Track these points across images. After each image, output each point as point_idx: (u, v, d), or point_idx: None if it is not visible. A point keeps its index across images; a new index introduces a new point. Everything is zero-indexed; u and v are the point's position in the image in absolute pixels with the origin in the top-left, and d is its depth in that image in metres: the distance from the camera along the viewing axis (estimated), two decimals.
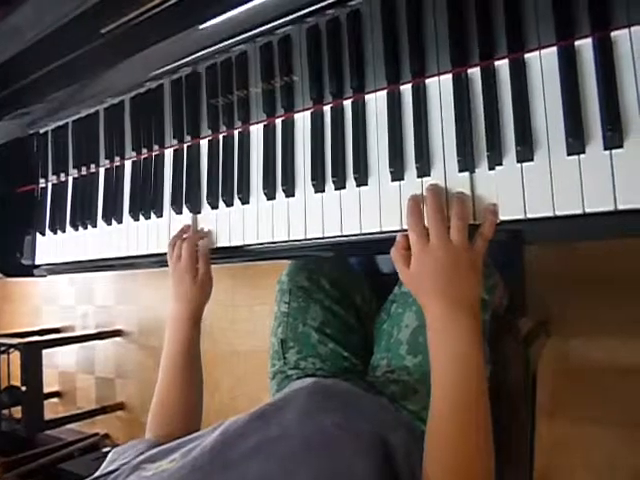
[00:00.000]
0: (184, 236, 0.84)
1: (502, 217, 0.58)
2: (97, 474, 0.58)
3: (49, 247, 1.13)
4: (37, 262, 1.15)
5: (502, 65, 0.60)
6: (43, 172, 1.14)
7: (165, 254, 0.86)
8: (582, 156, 0.54)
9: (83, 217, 1.05)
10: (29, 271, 1.17)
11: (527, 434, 0.86)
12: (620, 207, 0.52)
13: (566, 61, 0.56)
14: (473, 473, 0.55)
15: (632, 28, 0.53)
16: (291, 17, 0.62)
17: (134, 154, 0.97)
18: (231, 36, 0.66)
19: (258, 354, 1.76)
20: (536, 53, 0.58)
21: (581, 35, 0.55)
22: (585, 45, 0.55)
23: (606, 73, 0.53)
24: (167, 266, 0.86)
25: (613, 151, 0.53)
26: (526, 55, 0.58)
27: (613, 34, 0.54)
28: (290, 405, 0.63)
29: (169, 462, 0.54)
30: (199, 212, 0.86)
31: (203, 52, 0.69)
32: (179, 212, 0.89)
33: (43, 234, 1.14)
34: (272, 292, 0.93)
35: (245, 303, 1.90)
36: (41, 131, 1.12)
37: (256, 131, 0.80)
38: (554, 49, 0.57)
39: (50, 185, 1.14)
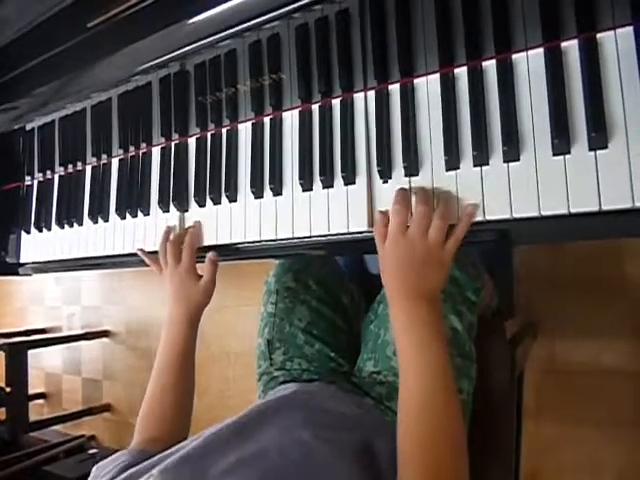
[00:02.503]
0: (182, 237, 0.82)
1: (488, 217, 0.58)
2: None
3: (34, 245, 1.11)
4: (22, 260, 1.14)
5: (489, 65, 0.60)
6: (29, 169, 1.13)
7: (153, 252, 0.85)
8: (567, 157, 0.54)
9: (69, 215, 1.03)
10: (14, 270, 1.15)
11: (513, 434, 0.87)
12: (605, 208, 0.52)
13: (552, 62, 0.56)
14: (443, 463, 0.55)
15: (617, 30, 0.53)
16: (280, 11, 0.61)
17: (121, 152, 0.96)
18: (219, 31, 0.66)
19: (247, 355, 1.75)
20: (523, 54, 0.58)
21: (567, 37, 0.56)
22: (571, 46, 0.56)
23: (592, 74, 0.54)
24: None
25: (598, 152, 0.53)
26: (513, 56, 0.59)
27: (599, 36, 0.54)
28: (271, 418, 0.63)
29: (147, 478, 0.53)
30: (186, 210, 0.85)
31: (191, 47, 0.69)
32: (166, 210, 0.88)
33: (28, 232, 1.12)
34: (260, 293, 0.93)
35: (233, 304, 1.89)
36: (27, 128, 1.11)
37: (244, 129, 0.80)
38: (541, 50, 0.57)
39: (36, 182, 1.12)
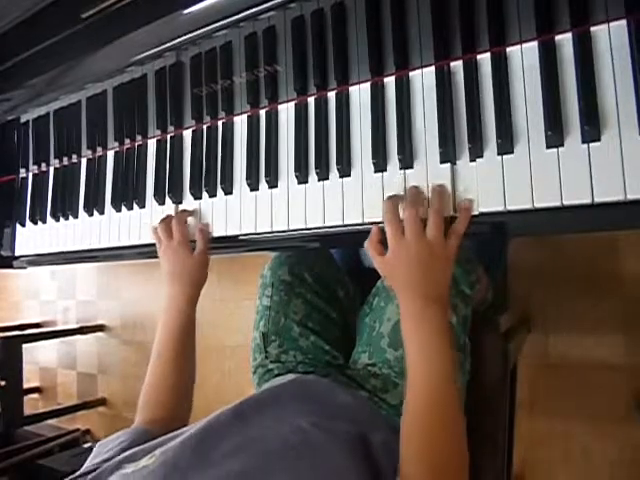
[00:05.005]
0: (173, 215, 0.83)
1: (482, 209, 0.59)
2: (81, 470, 0.58)
3: (29, 238, 1.11)
4: (17, 253, 1.13)
5: (484, 59, 0.60)
6: (24, 162, 1.13)
7: (149, 245, 0.85)
8: (561, 149, 0.55)
9: (64, 208, 1.03)
10: (8, 263, 1.15)
11: (506, 428, 0.87)
12: (597, 200, 0.52)
13: (546, 55, 0.56)
14: (446, 461, 0.55)
15: (611, 24, 0.53)
16: (276, 2, 0.61)
17: (117, 144, 0.95)
18: (214, 21, 0.66)
19: (244, 349, 1.75)
20: (517, 47, 0.58)
21: (561, 30, 0.56)
22: (565, 40, 0.56)
23: (585, 68, 0.54)
24: (150, 257, 0.86)
25: (591, 144, 0.53)
26: (508, 49, 0.59)
27: (592, 29, 0.54)
28: (269, 406, 0.64)
29: (149, 459, 0.54)
30: (181, 203, 0.85)
31: (186, 37, 0.69)
32: (162, 203, 0.88)
33: (23, 225, 1.12)
34: (257, 287, 0.93)
35: (231, 298, 1.89)
36: (22, 120, 1.10)
37: (240, 122, 0.80)
38: (535, 43, 0.57)
39: (31, 175, 1.12)
